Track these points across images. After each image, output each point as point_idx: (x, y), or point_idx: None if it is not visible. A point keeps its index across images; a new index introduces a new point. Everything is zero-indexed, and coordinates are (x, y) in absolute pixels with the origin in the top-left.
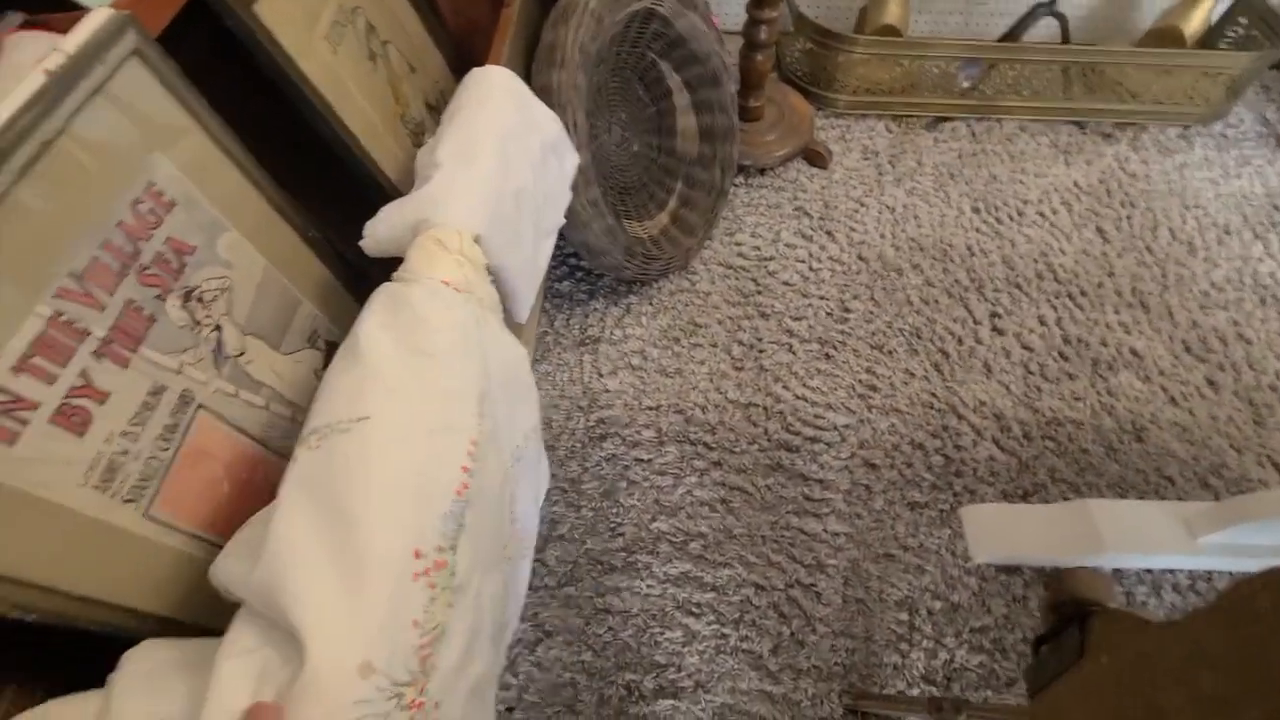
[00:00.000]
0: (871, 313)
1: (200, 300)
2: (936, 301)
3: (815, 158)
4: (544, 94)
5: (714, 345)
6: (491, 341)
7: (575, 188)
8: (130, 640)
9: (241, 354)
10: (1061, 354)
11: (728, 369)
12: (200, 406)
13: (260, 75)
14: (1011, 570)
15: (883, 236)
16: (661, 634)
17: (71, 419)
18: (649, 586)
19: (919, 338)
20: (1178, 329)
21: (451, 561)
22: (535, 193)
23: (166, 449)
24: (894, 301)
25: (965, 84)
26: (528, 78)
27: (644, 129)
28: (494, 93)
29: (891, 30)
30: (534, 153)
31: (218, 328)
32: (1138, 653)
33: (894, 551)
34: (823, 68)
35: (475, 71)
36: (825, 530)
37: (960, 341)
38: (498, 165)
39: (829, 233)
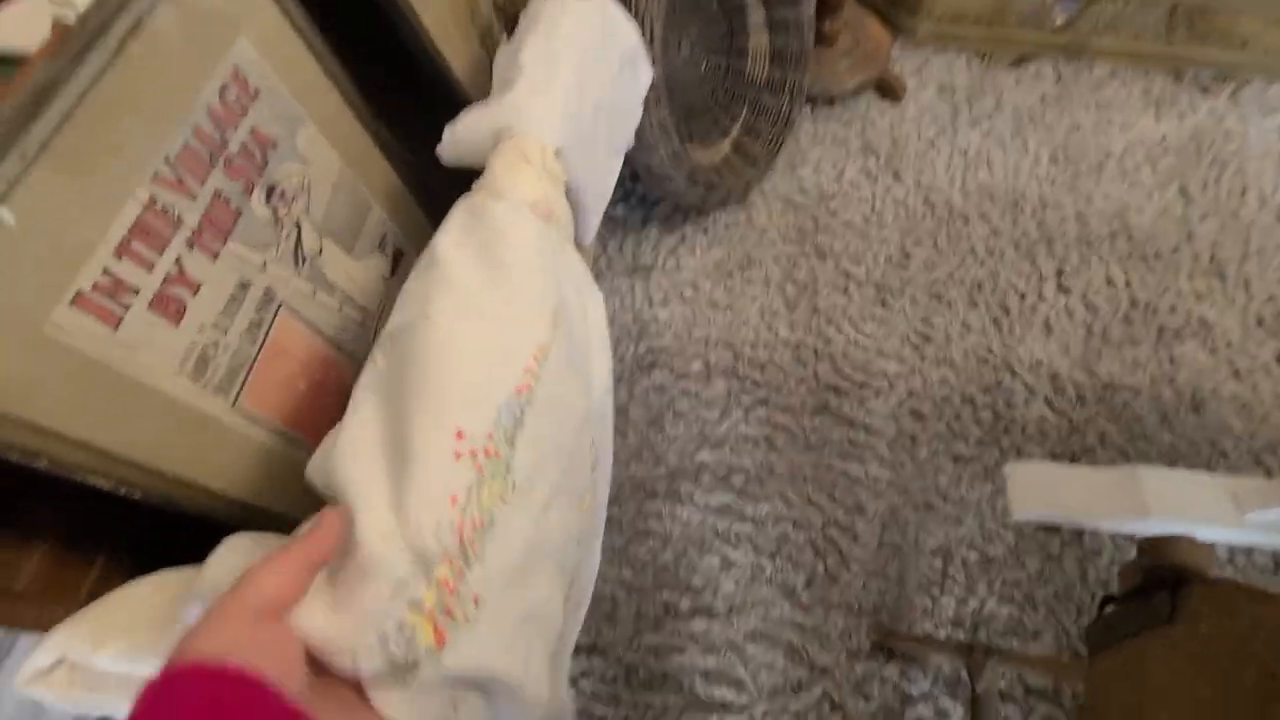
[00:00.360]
0: (933, 260)
1: (281, 196)
2: (1002, 254)
3: (888, 90)
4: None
5: (767, 282)
6: (568, 272)
7: (646, 106)
8: (217, 525)
9: (319, 254)
10: (1127, 318)
11: (780, 307)
12: (281, 305)
13: None
14: (1050, 529)
15: (952, 181)
16: (699, 559)
17: (168, 307)
18: (689, 514)
19: (980, 290)
20: (1253, 301)
21: (507, 455)
22: (611, 107)
23: (252, 344)
24: (957, 251)
25: (1060, 19)
26: None
27: (713, 48)
28: (575, 1)
29: None
30: (612, 64)
31: (297, 226)
32: (1254, 622)
33: (934, 501)
34: None
35: None
36: (867, 475)
37: (1023, 297)
38: (579, 74)
39: (895, 173)
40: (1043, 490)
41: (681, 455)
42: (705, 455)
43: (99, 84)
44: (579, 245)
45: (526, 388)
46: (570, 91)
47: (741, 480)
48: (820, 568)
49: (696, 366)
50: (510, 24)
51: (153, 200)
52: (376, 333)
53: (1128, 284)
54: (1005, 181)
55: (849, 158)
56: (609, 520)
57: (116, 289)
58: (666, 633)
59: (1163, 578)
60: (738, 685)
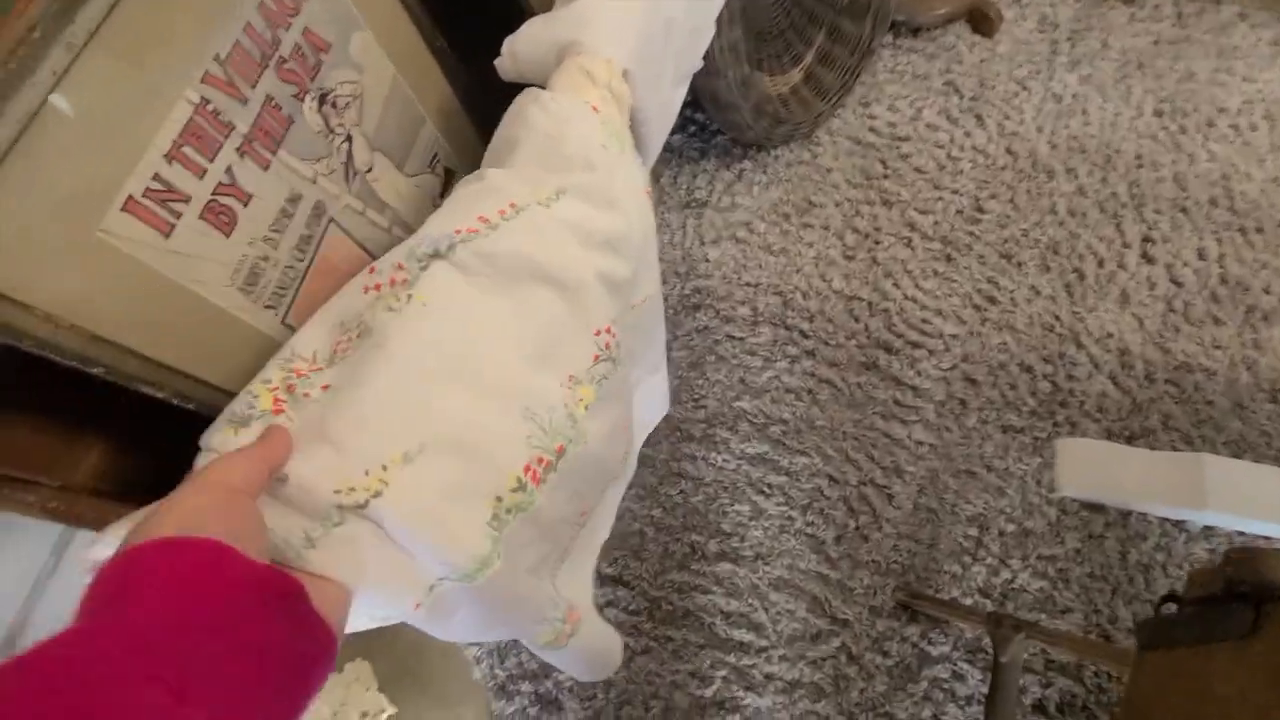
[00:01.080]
0: (1008, 217)
1: (334, 105)
2: (1085, 215)
3: (982, 21)
4: None
5: (826, 228)
6: (629, 175)
7: (719, 25)
8: None
9: (369, 170)
10: (1214, 295)
11: (837, 256)
12: (331, 221)
13: None
14: (1095, 508)
15: (1040, 130)
16: (730, 505)
17: (219, 217)
18: (724, 460)
19: (1055, 253)
20: None
21: (414, 273)
22: (684, 26)
23: (301, 260)
24: (1036, 208)
25: None
26: None
27: None
28: None
29: None
30: None
31: (349, 138)
32: None
33: (976, 470)
34: None
35: None
36: (910, 437)
37: (1101, 264)
38: None
39: (978, 117)
40: (1094, 468)
41: (721, 401)
42: (745, 403)
43: None
44: None
45: (470, 230)
46: (642, 4)
47: (779, 431)
48: (852, 525)
49: (744, 311)
50: None
51: (204, 102)
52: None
53: (1221, 258)
54: (1100, 134)
55: (929, 96)
56: (643, 458)
57: (168, 195)
58: (691, 572)
59: (1246, 591)
60: (757, 629)
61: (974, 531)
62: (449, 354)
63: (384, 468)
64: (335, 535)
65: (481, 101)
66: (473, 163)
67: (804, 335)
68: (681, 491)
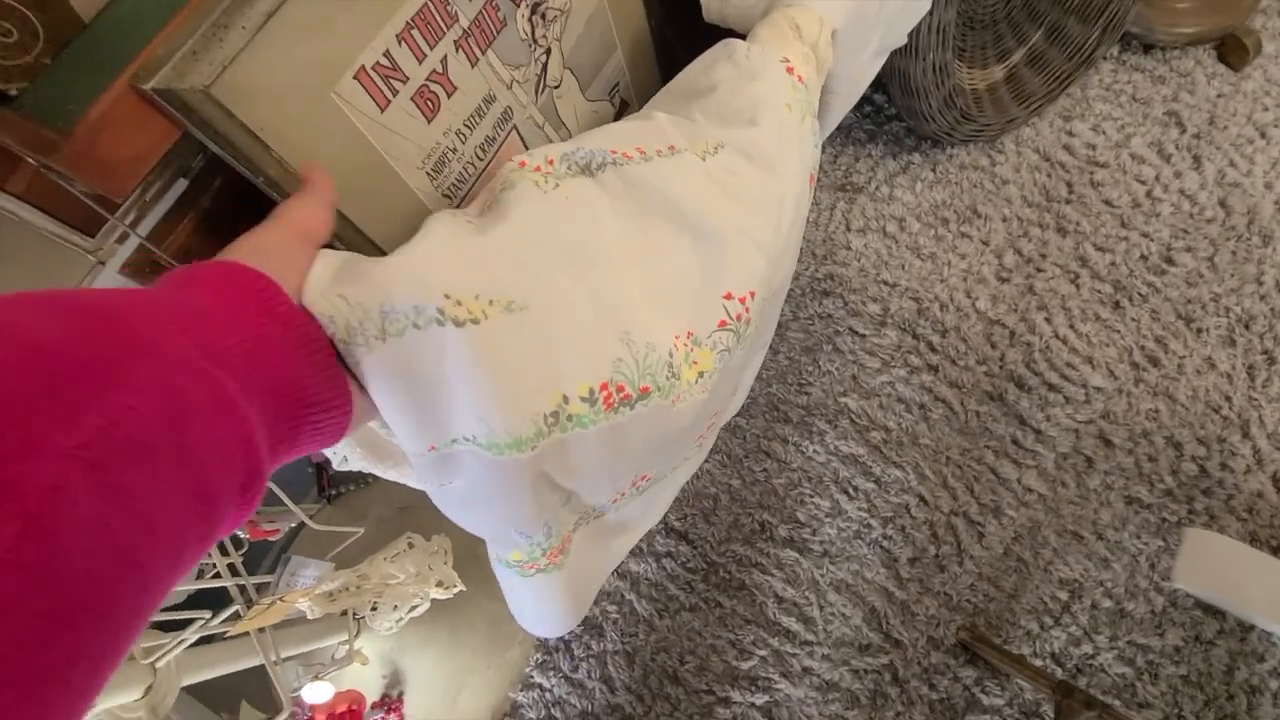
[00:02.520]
0: (1200, 275)
1: (543, 17)
2: None
3: (1234, 49)
4: None
5: (985, 243)
6: (803, 151)
7: (934, 2)
8: None
9: (557, 86)
10: None
11: (989, 275)
12: (514, 128)
13: None
14: (1213, 611)
15: (1269, 187)
16: (810, 496)
17: (426, 102)
18: (815, 451)
19: (1247, 328)
20: None
21: (559, 170)
22: None
23: (481, 160)
24: (1238, 274)
25: None
26: None
27: None
28: None
29: None
30: None
31: (548, 52)
32: None
33: (1085, 534)
34: None
35: None
36: (1019, 481)
37: None
38: None
39: (1197, 158)
40: (1224, 568)
41: (827, 393)
42: (851, 401)
43: None
44: None
45: (625, 155)
46: None
47: (880, 438)
48: (932, 551)
49: (873, 309)
50: None
51: None
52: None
53: None
54: None
55: (1144, 124)
56: (735, 428)
57: (391, 73)
58: (756, 550)
59: None
60: (808, 622)
61: (1064, 595)
62: (576, 246)
63: (490, 303)
64: (408, 338)
65: (673, 40)
66: (649, 99)
67: (931, 349)
68: (765, 470)
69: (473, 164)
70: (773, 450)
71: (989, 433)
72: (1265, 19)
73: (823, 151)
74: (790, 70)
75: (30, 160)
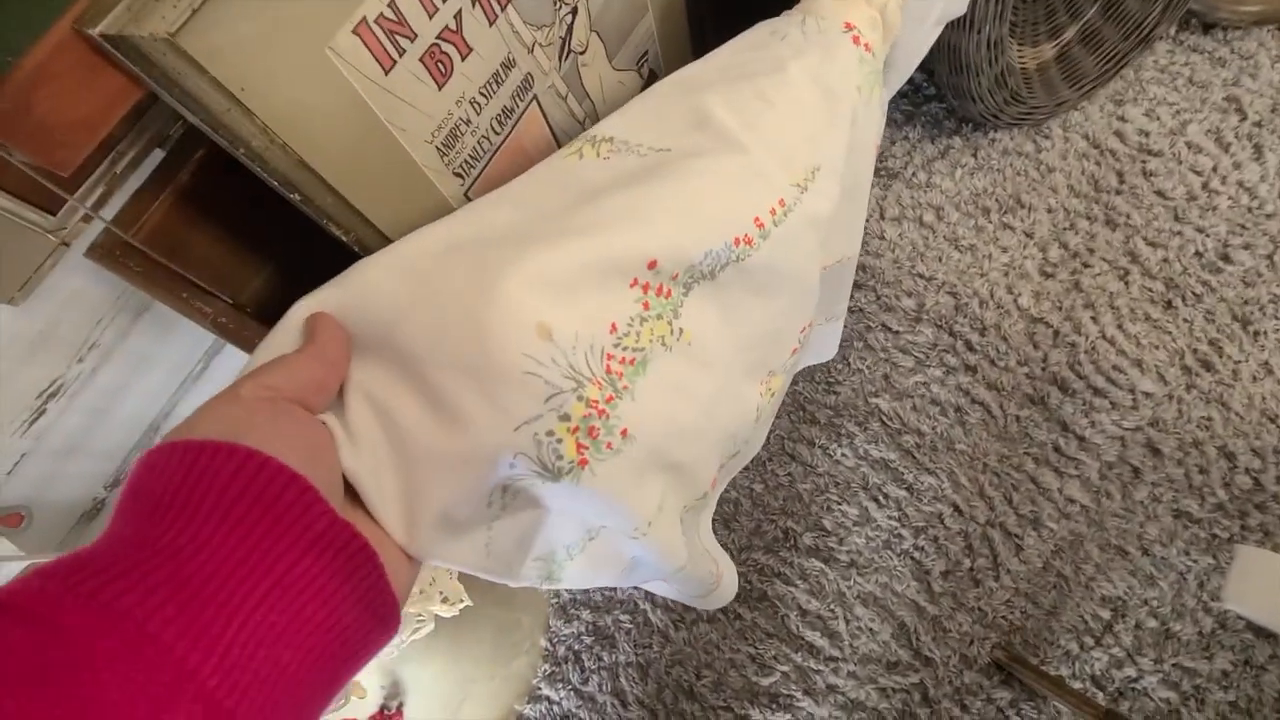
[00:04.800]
0: (1259, 275)
1: None
2: None
3: None
4: None
5: (1029, 235)
6: (866, 134)
7: None
8: None
9: (583, 51)
10: None
11: (1033, 270)
12: (535, 98)
13: None
14: (1264, 634)
15: None
16: (838, 503)
17: (437, 64)
18: (843, 455)
19: None
20: None
21: (678, 298)
22: None
23: (498, 134)
24: None
25: None
26: None
27: None
28: None
29: None
30: None
31: (574, 11)
32: None
33: (1130, 549)
34: None
35: None
36: (1061, 491)
37: None
38: None
39: (1259, 147)
40: (1277, 589)
41: (857, 393)
42: (882, 402)
43: None
44: None
45: (745, 241)
46: None
47: (913, 442)
48: (966, 563)
49: (908, 304)
50: None
51: None
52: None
53: None
54: None
55: (1201, 110)
56: None
57: (397, 28)
58: (779, 559)
59: None
60: (833, 636)
61: (1106, 614)
62: (697, 380)
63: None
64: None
65: (706, 10)
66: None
67: (969, 348)
68: (790, 474)
69: (487, 138)
70: (798, 453)
71: (1029, 439)
72: None
73: None
74: (857, 40)
75: None
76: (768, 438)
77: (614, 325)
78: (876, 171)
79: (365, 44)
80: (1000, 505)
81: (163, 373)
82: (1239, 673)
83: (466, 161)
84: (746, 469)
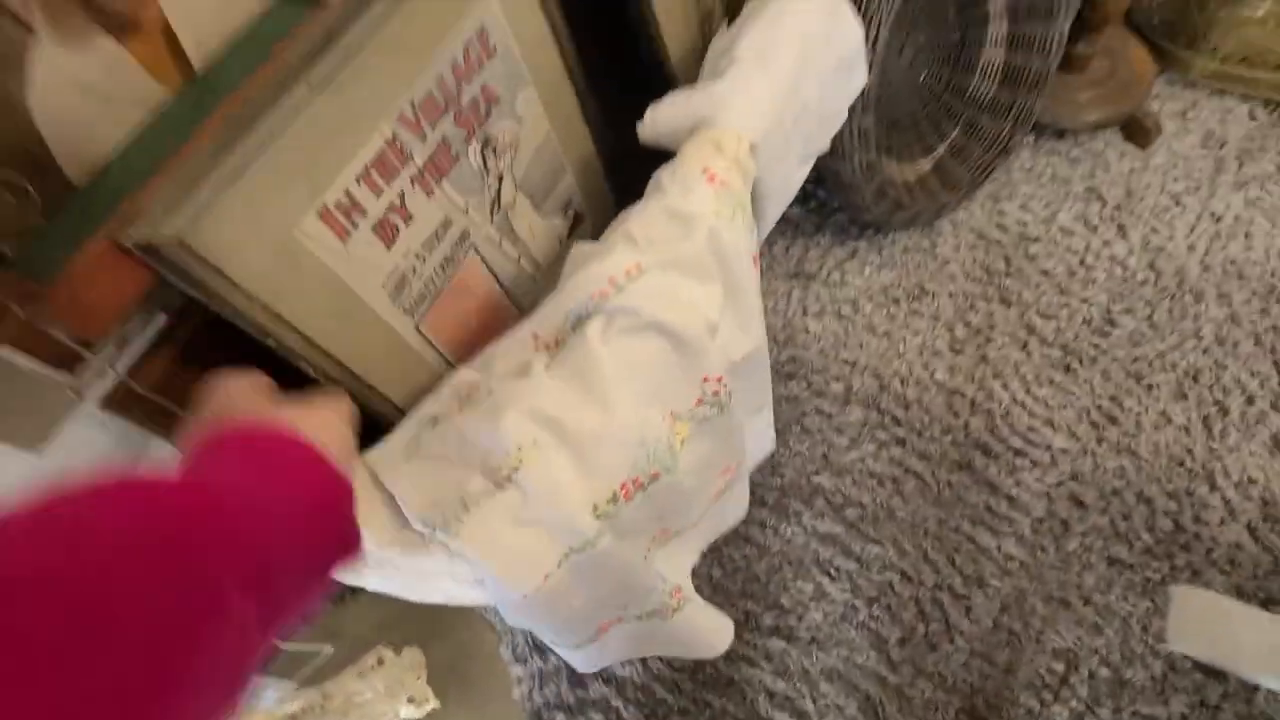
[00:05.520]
0: (1142, 334)
1: (494, 150)
2: (1236, 345)
3: (1137, 131)
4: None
5: (936, 318)
6: (735, 242)
7: (850, 111)
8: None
9: (512, 207)
10: None
11: (944, 347)
12: (472, 247)
13: None
14: (1213, 674)
15: (1192, 248)
16: (793, 581)
17: (386, 231)
18: (794, 533)
19: (1195, 381)
20: None
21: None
22: (815, 113)
23: (441, 277)
24: (1177, 330)
25: None
26: None
27: (939, 57)
28: None
29: None
30: (828, 67)
31: (500, 179)
32: None
33: (1071, 600)
34: (1191, 21)
35: None
36: (999, 549)
37: (1250, 401)
38: (793, 72)
39: (1121, 227)
40: (1216, 627)
41: (800, 473)
42: (824, 479)
43: (378, 29)
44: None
45: (603, 294)
46: (779, 89)
47: (856, 515)
48: (921, 629)
49: (836, 388)
50: (732, 10)
51: (394, 137)
52: (544, 286)
53: None
54: (1265, 262)
55: (1067, 200)
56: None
57: (352, 209)
58: (742, 641)
59: None
60: (801, 716)
61: (1060, 667)
62: (593, 386)
63: (520, 448)
64: (490, 501)
65: (618, 159)
66: (601, 210)
67: (896, 422)
68: (745, 556)
69: (432, 281)
70: (751, 535)
71: (963, 501)
72: (1160, 103)
73: (774, 244)
74: (713, 179)
75: (14, 311)
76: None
77: (625, 486)
78: (796, 275)
79: (326, 224)
80: (945, 568)
81: None
82: (1196, 714)
83: (414, 301)
84: (704, 555)
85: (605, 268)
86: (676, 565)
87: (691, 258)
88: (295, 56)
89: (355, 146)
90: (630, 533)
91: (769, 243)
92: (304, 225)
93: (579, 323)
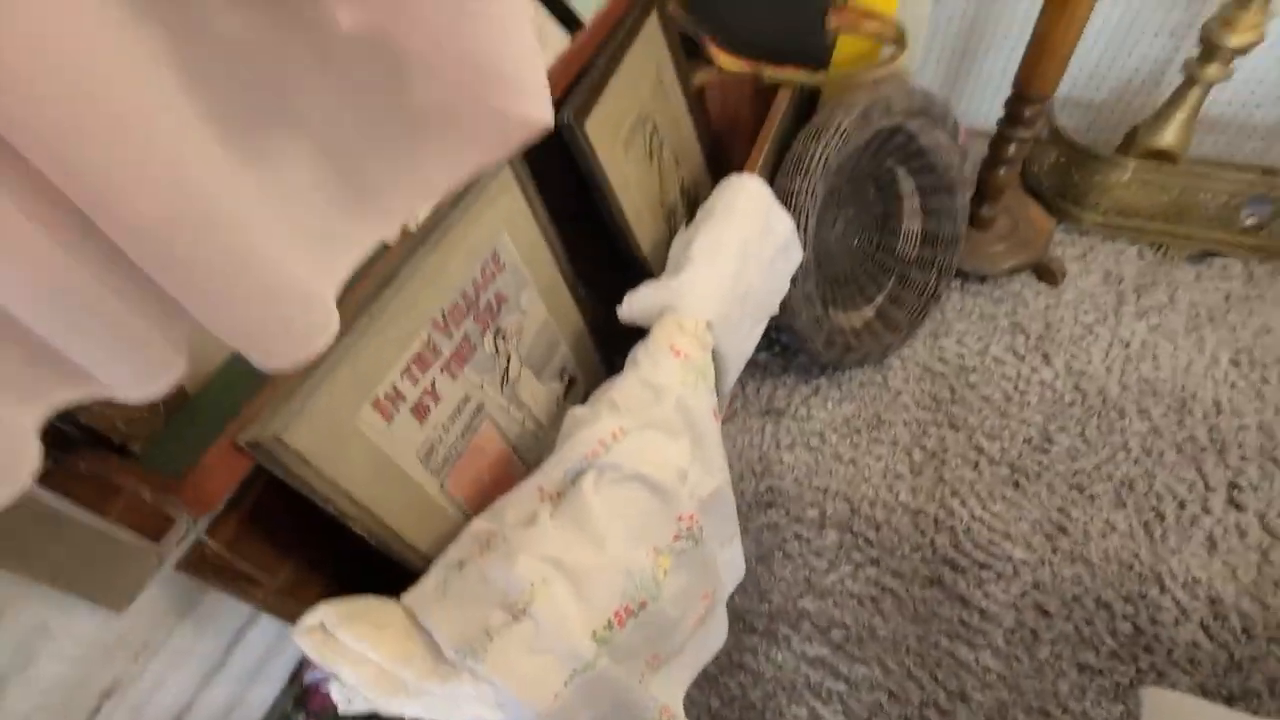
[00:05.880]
0: (1078, 449)
1: (503, 337)
2: (1161, 455)
3: (1046, 274)
4: (784, 196)
5: (894, 444)
6: (697, 403)
7: (794, 280)
8: (412, 572)
9: (518, 379)
10: None
11: (904, 470)
12: (487, 415)
13: (577, 172)
14: None
15: (1109, 370)
16: (787, 706)
17: (420, 412)
18: (784, 658)
19: (1131, 489)
20: None
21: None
22: (760, 288)
23: (462, 443)
24: (1108, 444)
25: (1249, 221)
26: (774, 177)
27: (867, 226)
28: (743, 200)
29: (1166, 155)
30: (767, 255)
31: (508, 358)
32: None
33: (1050, 709)
34: (1073, 183)
35: (732, 178)
36: (977, 662)
37: (1183, 506)
38: (739, 263)
39: (1045, 355)
40: None
41: (785, 597)
42: (808, 603)
43: (420, 266)
44: (719, 393)
45: (594, 454)
46: (728, 278)
47: (841, 636)
48: None
49: (812, 514)
50: (691, 205)
51: (429, 339)
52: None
53: None
54: (1173, 379)
55: (995, 334)
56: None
57: (396, 398)
58: None
59: None
60: None
61: None
62: (588, 529)
63: (532, 585)
64: (509, 632)
65: (604, 332)
66: (591, 372)
67: (869, 543)
68: (740, 684)
69: (455, 446)
70: (745, 663)
71: (938, 616)
72: (1062, 248)
73: (746, 385)
74: (678, 354)
75: (146, 498)
76: (718, 652)
77: (618, 614)
78: (768, 412)
79: (378, 411)
80: (929, 684)
81: (192, 667)
82: None
83: (440, 464)
84: (702, 686)
85: (595, 432)
86: (668, 691)
87: (663, 419)
88: (363, 295)
89: (401, 350)
90: (625, 658)
91: (741, 384)
92: (362, 415)
93: (576, 477)
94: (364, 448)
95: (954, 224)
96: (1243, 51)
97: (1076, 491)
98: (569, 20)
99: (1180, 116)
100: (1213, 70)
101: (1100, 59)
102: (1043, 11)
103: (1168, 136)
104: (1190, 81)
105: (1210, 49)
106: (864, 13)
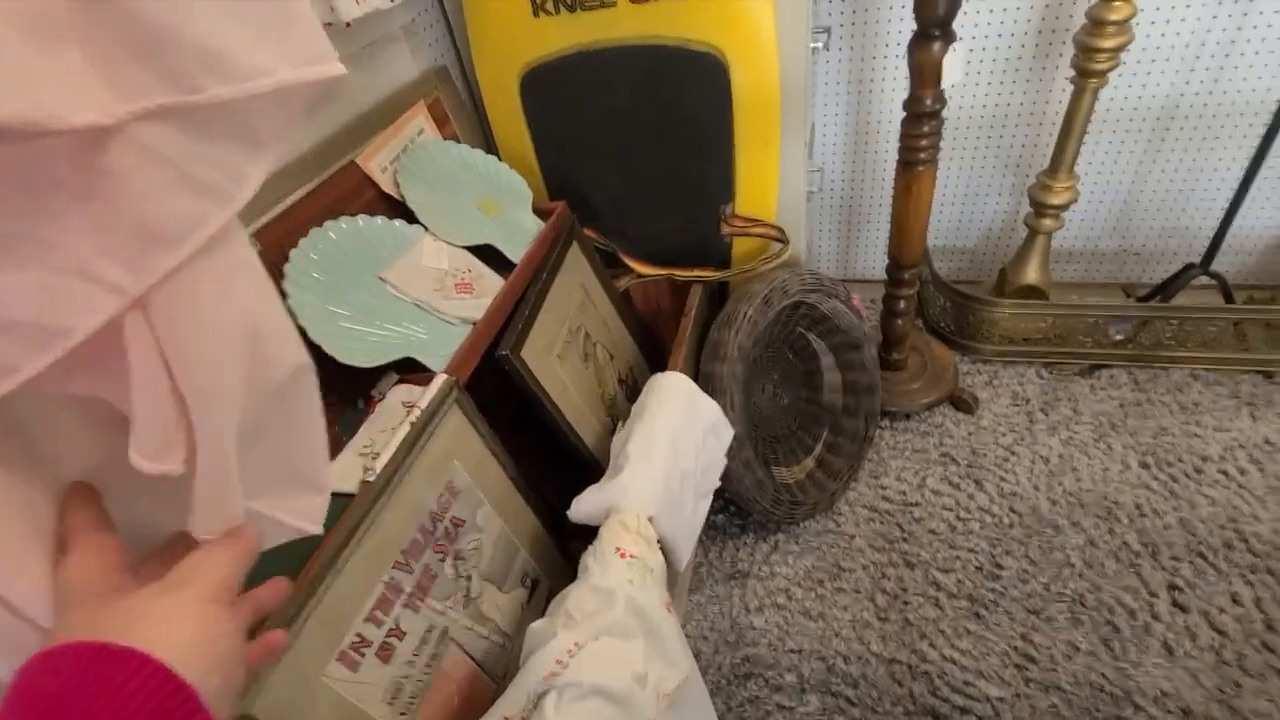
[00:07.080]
0: (1026, 571)
1: (463, 559)
2: (1102, 565)
3: (961, 404)
4: (708, 380)
5: (858, 591)
6: (647, 600)
7: (730, 453)
8: None
9: (480, 595)
10: (1265, 644)
11: (871, 618)
12: (451, 639)
13: (515, 389)
14: None
15: (1036, 488)
16: None
17: (385, 653)
18: None
19: (1083, 605)
20: None
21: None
22: (696, 469)
23: (428, 674)
24: (1051, 562)
25: (1118, 336)
26: (698, 366)
27: (794, 384)
28: (670, 395)
29: (1034, 290)
30: (697, 439)
31: (469, 578)
32: None
33: None
34: (966, 322)
35: (657, 377)
36: None
37: (1133, 615)
38: (670, 457)
39: (977, 481)
40: None
41: None
42: None
43: (381, 513)
44: (675, 572)
45: (553, 674)
46: (662, 470)
47: None
48: None
49: (790, 679)
50: (631, 391)
51: (390, 580)
52: (515, 653)
53: (1259, 602)
54: (1095, 488)
55: (929, 467)
56: None
57: (360, 645)
58: None
59: None
60: None
61: None
62: None
63: None
64: None
65: (559, 534)
66: (554, 570)
67: (850, 702)
68: None
69: (421, 680)
70: None
71: None
72: (970, 378)
73: (709, 550)
74: (624, 555)
75: None
76: None
77: None
78: (733, 576)
79: (343, 663)
80: None
81: None
82: None
83: (408, 702)
84: None
85: (552, 651)
86: None
87: (616, 624)
88: (325, 555)
89: (364, 599)
90: None
91: (705, 549)
92: (328, 670)
93: (538, 700)
94: (329, 700)
95: (868, 373)
96: (1063, 208)
97: (1034, 616)
98: (504, 263)
99: (1035, 259)
100: (1047, 223)
101: (960, 215)
102: (894, 197)
103: (1030, 275)
104: (1033, 232)
105: (1039, 207)
106: (750, 220)
